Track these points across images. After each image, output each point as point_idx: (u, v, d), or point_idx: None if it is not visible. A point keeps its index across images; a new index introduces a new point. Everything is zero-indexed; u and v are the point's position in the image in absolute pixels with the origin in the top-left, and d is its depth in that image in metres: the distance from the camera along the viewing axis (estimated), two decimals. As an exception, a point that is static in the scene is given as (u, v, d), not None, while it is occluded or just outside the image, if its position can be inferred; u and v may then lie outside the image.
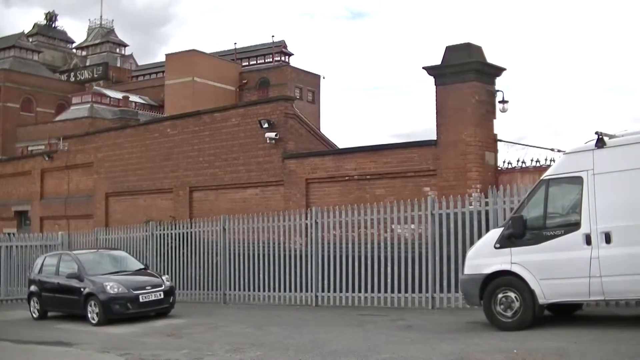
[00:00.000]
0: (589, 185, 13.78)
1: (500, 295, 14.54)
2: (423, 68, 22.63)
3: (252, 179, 28.09)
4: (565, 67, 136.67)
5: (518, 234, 14.42)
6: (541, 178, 14.89)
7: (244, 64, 77.43)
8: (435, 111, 22.60)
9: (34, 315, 22.92)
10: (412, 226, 20.22)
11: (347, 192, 24.61)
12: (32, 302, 23.24)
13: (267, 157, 27.52)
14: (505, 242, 14.59)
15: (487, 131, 22.24)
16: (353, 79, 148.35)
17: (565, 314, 15.61)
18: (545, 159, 20.74)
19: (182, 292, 25.28)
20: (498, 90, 22.83)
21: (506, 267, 14.49)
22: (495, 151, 22.42)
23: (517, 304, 14.34)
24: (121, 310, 20.17)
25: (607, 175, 13.65)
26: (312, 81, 75.54)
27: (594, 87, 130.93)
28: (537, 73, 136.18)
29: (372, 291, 20.70)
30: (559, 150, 20.34)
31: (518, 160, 21.68)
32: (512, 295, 14.38)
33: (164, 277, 21.87)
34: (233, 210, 26.73)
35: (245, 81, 72.85)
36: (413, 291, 19.96)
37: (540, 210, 14.53)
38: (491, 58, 22.77)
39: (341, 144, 32.03)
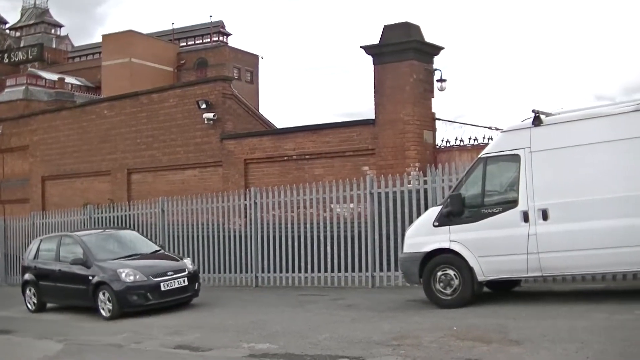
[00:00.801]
0: (526, 163, 13.90)
1: (439, 273, 14.63)
2: (361, 47, 22.56)
3: (190, 160, 27.85)
4: (502, 45, 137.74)
5: (456, 212, 14.51)
6: (479, 156, 14.97)
7: (181, 44, 76.89)
8: (373, 90, 22.57)
9: (30, 308, 20.41)
10: (351, 205, 20.22)
11: (286, 172, 24.53)
12: (27, 293, 20.63)
13: (205, 138, 27.30)
14: (443, 220, 14.67)
15: (425, 110, 22.28)
16: (293, 59, 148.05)
17: (504, 291, 15.75)
18: (483, 137, 20.86)
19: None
20: (436, 69, 22.86)
21: (445, 245, 14.58)
22: (434, 130, 22.49)
23: (456, 282, 14.45)
24: (140, 302, 17.49)
25: (544, 152, 13.78)
26: (250, 61, 75.17)
27: (532, 65, 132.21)
28: (474, 51, 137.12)
29: (312, 271, 20.69)
30: (496, 129, 20.46)
31: (456, 139, 21.81)
32: (451, 272, 14.48)
33: (186, 260, 19.31)
34: (172, 192, 26.53)
35: (183, 62, 72.33)
36: (353, 270, 19.98)
37: (479, 188, 14.62)
38: (429, 37, 22.82)
39: (281, 124, 31.92)
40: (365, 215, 19.86)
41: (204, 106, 26.92)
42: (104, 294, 17.67)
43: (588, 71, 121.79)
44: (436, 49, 22.79)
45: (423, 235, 15.03)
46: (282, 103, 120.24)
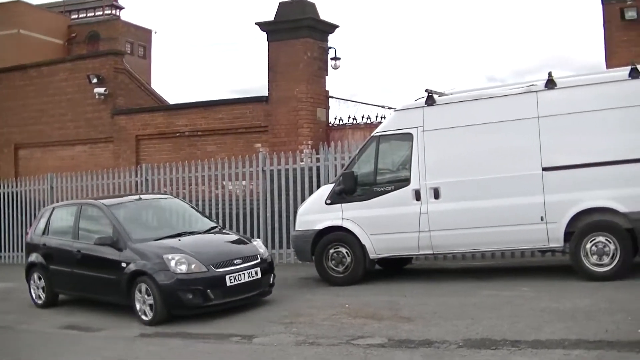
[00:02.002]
0: (419, 142, 14.09)
1: (331, 251, 14.74)
2: (256, 24, 22.39)
3: (80, 136, 27.25)
4: (397, 25, 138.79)
5: (349, 190, 14.60)
6: (372, 134, 15.11)
7: (72, 16, 75.19)
8: (267, 67, 22.46)
9: (38, 301, 15.48)
10: (244, 183, 20.16)
11: (178, 149, 24.22)
12: (33, 281, 15.63)
13: (96, 113, 26.73)
14: (336, 198, 14.75)
15: (318, 88, 22.26)
16: (187, 34, 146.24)
17: (395, 268, 15.92)
18: (376, 116, 21.06)
19: (6, 255, 24.93)
20: (330, 47, 22.83)
21: (337, 222, 14.68)
22: (327, 108, 22.49)
23: (348, 259, 14.57)
24: (196, 302, 12.47)
25: (436, 132, 14.00)
26: (143, 36, 73.99)
27: (426, 45, 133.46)
28: (369, 30, 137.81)
29: (205, 248, 20.53)
30: (389, 107, 20.62)
31: (349, 117, 21.87)
32: (344, 250, 14.59)
33: (255, 242, 14.27)
34: (62, 168, 25.93)
35: (74, 34, 70.68)
36: (245, 248, 19.91)
37: (371, 166, 14.73)
38: (324, 15, 22.80)
39: (174, 101, 31.53)
40: (257, 192, 19.83)
41: (95, 80, 26.37)
42: (143, 290, 12.79)
43: (480, 53, 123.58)
44: (331, 27, 22.76)
45: (315, 213, 15.09)
46: (176, 79, 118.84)
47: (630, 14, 17.61)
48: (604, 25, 18.33)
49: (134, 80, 28.57)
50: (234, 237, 14.83)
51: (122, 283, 12.99)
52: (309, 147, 20.94)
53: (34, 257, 15.62)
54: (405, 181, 14.16)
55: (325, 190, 15.29)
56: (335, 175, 17.26)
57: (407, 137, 14.28)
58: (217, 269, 12.66)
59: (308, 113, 21.64)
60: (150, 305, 12.63)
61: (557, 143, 13.03)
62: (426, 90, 14.25)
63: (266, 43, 22.46)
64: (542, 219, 13.02)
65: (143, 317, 12.75)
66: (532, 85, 13.54)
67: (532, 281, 13.26)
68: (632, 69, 12.74)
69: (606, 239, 12.64)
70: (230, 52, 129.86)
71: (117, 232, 13.55)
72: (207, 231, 14.54)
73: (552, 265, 14.90)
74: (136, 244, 13.21)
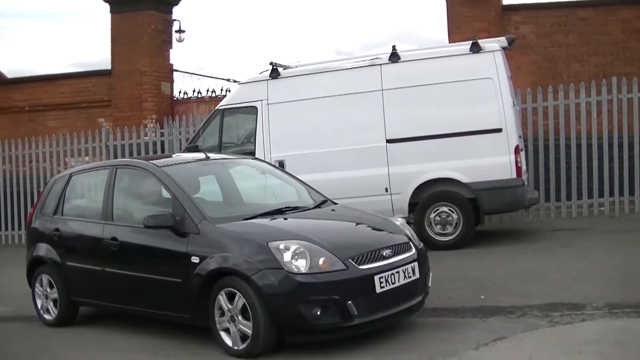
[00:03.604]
0: (263, 115, 14.06)
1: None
2: (99, -6, 21.98)
3: None
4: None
5: (193, 163, 14.43)
6: (216, 108, 15.01)
7: None
8: (110, 40, 22.06)
9: (47, 316, 10.25)
10: (87, 159, 19.65)
11: (17, 125, 23.35)
12: (39, 285, 10.36)
13: None
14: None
15: (163, 61, 22.05)
16: (23, 5, 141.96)
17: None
18: (222, 89, 20.97)
19: None
20: (175, 20, 22.60)
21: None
22: (171, 81, 22.32)
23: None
24: (330, 321, 7.36)
25: (280, 105, 14.00)
26: (-21, 7, 71.73)
27: (272, 18, 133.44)
28: (215, 2, 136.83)
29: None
30: (235, 81, 20.53)
31: (194, 91, 21.79)
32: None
33: (398, 222, 8.88)
34: None
35: None
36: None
37: (216, 140, 14.62)
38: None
39: (12, 74, 30.54)
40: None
41: None
42: (231, 299, 7.68)
43: (328, 27, 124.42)
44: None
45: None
46: (13, 52, 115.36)
47: (473, -10, 17.99)
48: (447, 0, 18.66)
49: (-31, 54, 27.54)
50: (364, 214, 9.25)
51: (193, 289, 7.99)
52: (154, 121, 20.72)
53: (41, 249, 10.33)
54: (250, 154, 14.07)
55: (170, 164, 15.08)
56: (180, 149, 17.10)
57: (252, 110, 14.22)
58: (359, 265, 7.58)
59: (152, 87, 21.42)
60: (244, 333, 7.63)
61: (401, 115, 13.22)
62: (270, 63, 14.20)
63: (109, 15, 22.04)
64: (386, 190, 13.22)
65: (229, 343, 7.77)
66: (376, 58, 13.67)
67: (378, 252, 13.39)
68: (473, 43, 13.07)
69: (449, 209, 12.99)
70: (70, 24, 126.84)
71: (180, 208, 8.40)
72: (320, 207, 9.31)
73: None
74: (216, 224, 8.15)
